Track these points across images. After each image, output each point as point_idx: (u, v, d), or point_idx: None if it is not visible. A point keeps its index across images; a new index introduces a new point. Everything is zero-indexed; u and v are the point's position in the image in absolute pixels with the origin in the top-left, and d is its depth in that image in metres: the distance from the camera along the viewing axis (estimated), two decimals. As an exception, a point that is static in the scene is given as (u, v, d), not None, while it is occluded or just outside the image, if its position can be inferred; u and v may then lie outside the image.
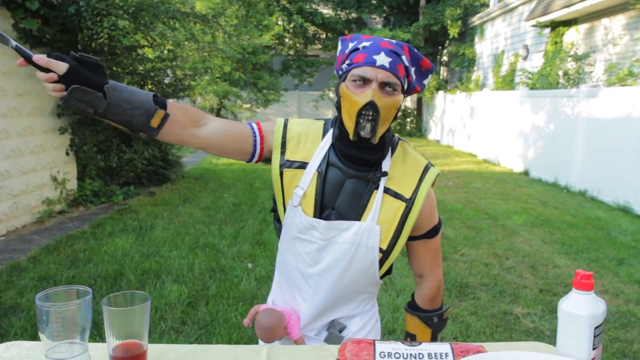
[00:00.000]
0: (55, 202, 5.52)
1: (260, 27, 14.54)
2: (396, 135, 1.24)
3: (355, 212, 1.15)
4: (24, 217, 5.09)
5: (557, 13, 9.05)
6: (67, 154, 5.85)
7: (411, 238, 1.23)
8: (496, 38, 13.39)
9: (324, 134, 1.20)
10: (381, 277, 1.25)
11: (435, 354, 0.84)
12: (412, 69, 1.15)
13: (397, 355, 0.85)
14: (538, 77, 9.26)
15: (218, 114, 16.25)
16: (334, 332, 1.23)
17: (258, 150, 1.19)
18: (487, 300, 3.48)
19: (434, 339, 1.30)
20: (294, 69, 17.66)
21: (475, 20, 14.57)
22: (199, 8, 10.61)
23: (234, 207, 6.08)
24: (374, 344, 0.88)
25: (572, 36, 9.37)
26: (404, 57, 1.11)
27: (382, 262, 1.19)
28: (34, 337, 2.72)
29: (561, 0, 8.97)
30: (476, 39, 14.79)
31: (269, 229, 5.05)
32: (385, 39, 1.13)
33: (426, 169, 1.19)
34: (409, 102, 18.47)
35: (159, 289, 3.50)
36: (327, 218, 1.16)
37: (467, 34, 15.40)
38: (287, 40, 17.40)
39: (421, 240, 1.24)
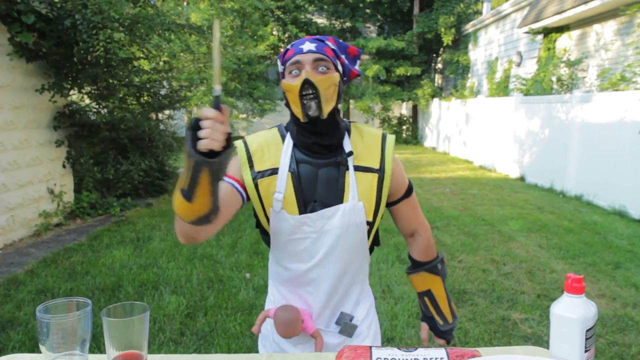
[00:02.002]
0: (52, 214, 5.51)
1: (255, 37, 14.63)
2: (345, 119, 1.31)
3: (336, 197, 1.20)
4: (21, 230, 5.09)
5: (549, 20, 9.14)
6: (64, 166, 5.86)
7: (393, 203, 1.31)
8: (490, 45, 13.50)
9: (282, 138, 1.26)
10: (370, 251, 1.33)
11: (431, 359, 0.86)
12: (343, 56, 1.23)
13: None
14: (532, 83, 9.33)
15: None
16: (347, 322, 1.28)
17: (243, 192, 1.24)
18: (485, 306, 3.49)
19: (444, 283, 1.39)
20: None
21: (469, 27, 14.70)
22: (194, 19, 10.69)
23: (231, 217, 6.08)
24: (371, 350, 0.90)
25: (565, 42, 9.46)
26: (329, 43, 1.20)
27: (369, 233, 1.27)
28: (33, 351, 2.72)
29: (553, 7, 9.07)
30: (470, 46, 14.91)
31: (266, 239, 5.06)
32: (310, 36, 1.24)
33: (384, 138, 1.27)
34: (405, 110, 18.56)
35: (157, 300, 3.50)
36: (312, 211, 1.20)
37: (461, 42, 15.52)
38: (282, 50, 17.47)
39: (403, 202, 1.31)
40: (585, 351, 0.84)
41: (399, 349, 0.89)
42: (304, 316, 1.25)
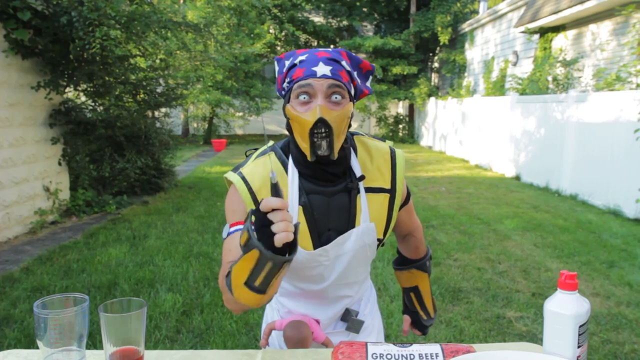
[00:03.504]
0: (47, 212, 5.50)
1: (251, 35, 14.62)
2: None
3: (348, 222, 1.16)
4: (17, 228, 5.07)
5: (545, 19, 9.17)
6: (60, 164, 5.84)
7: None
8: (486, 44, 13.54)
9: (284, 165, 1.15)
10: None
11: (425, 354, 0.86)
12: (355, 73, 1.13)
13: (389, 357, 0.87)
14: (528, 82, 9.36)
15: (210, 122, 16.29)
16: (353, 318, 1.28)
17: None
18: (480, 304, 3.50)
19: (429, 280, 1.41)
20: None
21: (465, 27, 14.72)
22: (191, 17, 10.67)
23: (228, 215, 6.08)
24: (367, 346, 0.90)
25: (561, 42, 9.49)
26: (344, 63, 1.09)
27: (377, 246, 1.26)
28: (28, 348, 2.71)
29: (549, 7, 9.10)
30: (466, 45, 14.94)
31: (262, 237, 5.05)
32: (321, 49, 1.10)
33: (393, 154, 1.21)
34: (401, 108, 18.58)
35: (154, 298, 3.50)
36: (327, 240, 1.15)
37: (458, 41, 15.56)
38: (278, 48, 17.48)
39: (402, 209, 1.29)
40: (578, 347, 0.85)
41: (394, 344, 0.90)
42: (313, 327, 1.23)
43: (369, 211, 1.17)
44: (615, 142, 6.39)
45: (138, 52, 6.77)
